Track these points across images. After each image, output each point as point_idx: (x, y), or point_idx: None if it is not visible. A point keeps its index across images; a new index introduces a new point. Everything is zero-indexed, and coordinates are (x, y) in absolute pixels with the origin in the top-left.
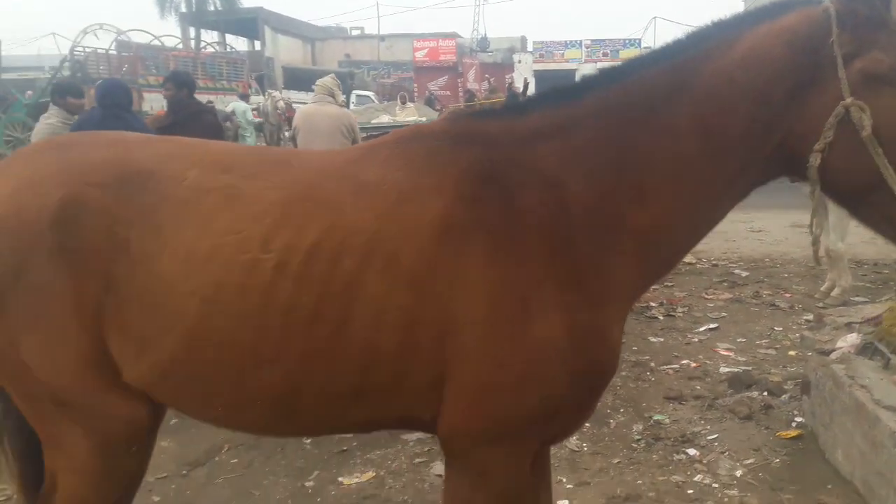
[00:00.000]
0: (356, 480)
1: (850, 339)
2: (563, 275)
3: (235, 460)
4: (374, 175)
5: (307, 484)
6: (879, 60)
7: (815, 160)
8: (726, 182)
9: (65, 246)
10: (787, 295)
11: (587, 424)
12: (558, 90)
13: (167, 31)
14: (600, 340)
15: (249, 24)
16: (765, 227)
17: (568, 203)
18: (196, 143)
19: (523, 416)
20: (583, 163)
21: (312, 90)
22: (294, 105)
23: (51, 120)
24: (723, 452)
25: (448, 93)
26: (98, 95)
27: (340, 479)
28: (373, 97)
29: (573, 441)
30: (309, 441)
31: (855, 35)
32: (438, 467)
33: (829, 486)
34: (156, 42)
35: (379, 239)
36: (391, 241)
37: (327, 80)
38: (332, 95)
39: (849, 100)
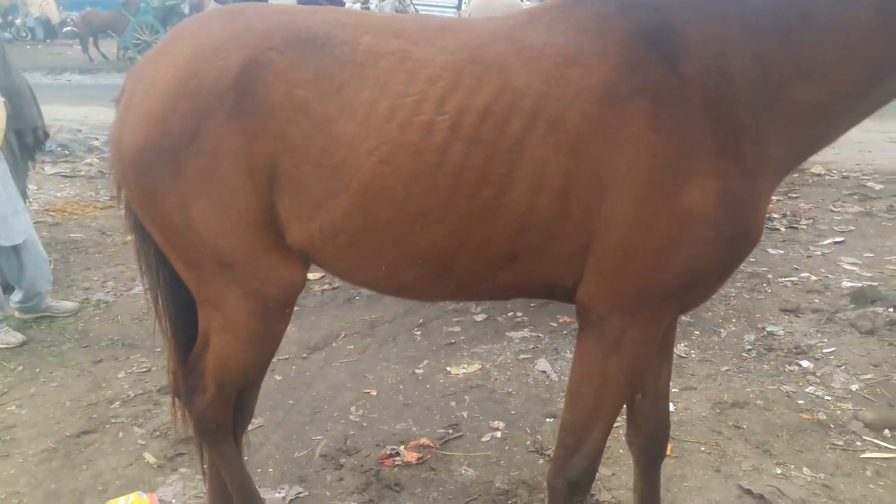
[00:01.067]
0: (463, 371)
1: None
2: (721, 143)
3: (351, 346)
4: (540, 39)
5: (417, 371)
6: None
7: None
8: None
9: (243, 108)
10: None
11: (696, 332)
12: None
13: None
14: (750, 210)
15: None
16: None
17: (732, 71)
18: (360, 12)
19: (666, 283)
20: (750, 31)
21: None
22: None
23: None
24: (839, 366)
25: None
26: None
27: (448, 368)
28: None
29: (681, 347)
30: (419, 332)
31: None
32: (542, 364)
33: None
34: None
35: (544, 102)
36: (556, 104)
37: None
38: None
39: None
